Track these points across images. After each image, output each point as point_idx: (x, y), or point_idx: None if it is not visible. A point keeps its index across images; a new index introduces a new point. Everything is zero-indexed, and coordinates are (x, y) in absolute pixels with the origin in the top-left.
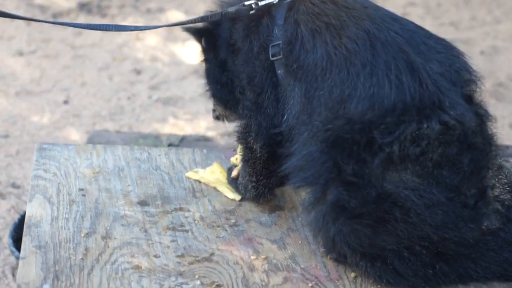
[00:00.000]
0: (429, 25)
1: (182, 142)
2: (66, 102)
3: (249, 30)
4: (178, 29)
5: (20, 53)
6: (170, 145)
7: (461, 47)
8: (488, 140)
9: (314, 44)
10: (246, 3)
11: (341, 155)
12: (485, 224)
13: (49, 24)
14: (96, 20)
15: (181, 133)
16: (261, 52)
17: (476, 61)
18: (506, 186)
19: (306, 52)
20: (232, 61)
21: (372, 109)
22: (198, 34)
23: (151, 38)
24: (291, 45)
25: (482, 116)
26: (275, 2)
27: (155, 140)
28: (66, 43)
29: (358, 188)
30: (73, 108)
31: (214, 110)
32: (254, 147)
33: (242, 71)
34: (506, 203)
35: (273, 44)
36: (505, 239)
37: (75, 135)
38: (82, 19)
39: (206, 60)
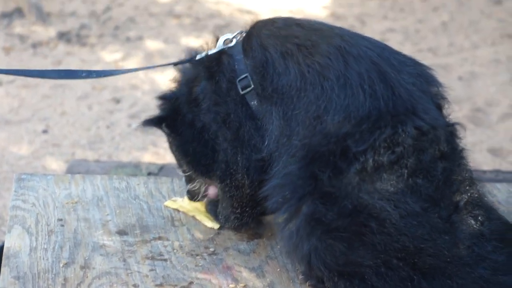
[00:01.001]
0: (407, 50)
1: (161, 170)
2: (45, 131)
3: (211, 71)
4: (156, 57)
5: None
6: (149, 174)
7: (439, 72)
8: (458, 152)
9: (287, 66)
10: (197, 58)
11: (318, 166)
12: (459, 237)
13: (29, 54)
14: (76, 49)
15: (161, 161)
16: (231, 88)
17: (454, 87)
18: (478, 201)
19: (279, 75)
20: (196, 115)
21: (348, 119)
22: (158, 122)
23: (130, 66)
24: (263, 69)
25: (451, 127)
26: (226, 48)
27: (135, 169)
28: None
29: (335, 200)
30: (52, 137)
31: (189, 191)
32: (243, 182)
33: (214, 115)
34: (479, 218)
35: (239, 78)
36: (479, 254)
37: (55, 164)
38: (62, 48)
39: (173, 140)
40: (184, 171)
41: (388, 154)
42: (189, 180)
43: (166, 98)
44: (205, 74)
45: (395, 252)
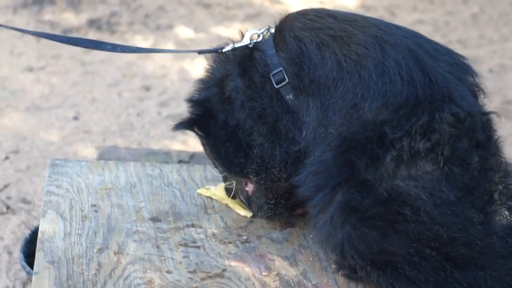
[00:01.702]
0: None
1: (192, 158)
2: (76, 118)
3: (244, 67)
4: (186, 46)
5: (30, 69)
6: (180, 161)
7: None
8: (494, 142)
9: (323, 57)
10: (224, 50)
11: (354, 154)
12: (493, 228)
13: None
14: (106, 36)
15: (190, 150)
16: (265, 83)
17: (484, 79)
18: None
19: (315, 66)
20: (230, 113)
21: (386, 106)
22: (190, 125)
23: (160, 55)
24: (299, 60)
25: (488, 115)
26: (257, 44)
27: (165, 156)
28: (76, 60)
29: (370, 187)
30: (82, 124)
31: (226, 189)
32: (280, 176)
33: (249, 110)
34: None
35: (273, 73)
36: None
37: (85, 151)
38: (92, 35)
39: (207, 142)
40: (220, 172)
41: (425, 141)
42: (225, 178)
43: (196, 101)
44: (238, 70)
45: (428, 241)
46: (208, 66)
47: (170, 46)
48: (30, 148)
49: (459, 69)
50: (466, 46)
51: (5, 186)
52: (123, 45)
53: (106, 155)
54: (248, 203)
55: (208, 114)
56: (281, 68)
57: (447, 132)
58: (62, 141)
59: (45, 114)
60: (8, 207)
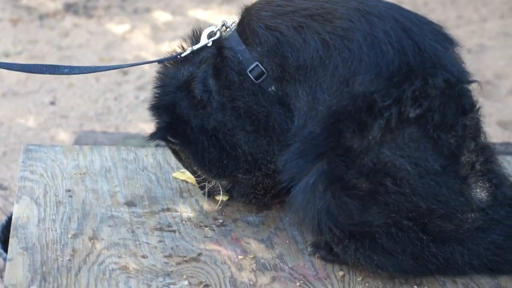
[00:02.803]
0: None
1: None
2: (52, 103)
3: (217, 67)
4: (164, 29)
5: (6, 55)
6: (157, 145)
7: None
8: (477, 110)
9: (304, 39)
10: (183, 54)
11: (343, 123)
12: (474, 199)
13: (36, 25)
14: (83, 20)
15: None
16: (244, 80)
17: (463, 59)
18: (493, 164)
19: (298, 50)
20: (205, 117)
21: (379, 76)
22: (163, 134)
23: (138, 39)
24: (278, 50)
25: (472, 83)
26: (209, 44)
27: (143, 140)
28: (53, 44)
29: (356, 156)
30: (59, 109)
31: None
32: (272, 168)
33: (231, 111)
34: (494, 181)
35: (249, 69)
36: (493, 219)
37: (62, 136)
38: (69, 19)
39: (184, 150)
40: (198, 176)
41: (415, 107)
42: (196, 175)
43: (163, 107)
44: (211, 71)
45: (406, 212)
46: (161, 70)
47: (148, 29)
48: (6, 134)
49: (442, 38)
50: (444, 27)
51: None
52: (80, 66)
53: (83, 139)
54: (230, 192)
55: (180, 120)
56: (256, 63)
57: (438, 98)
58: (39, 127)
59: (22, 99)
60: None
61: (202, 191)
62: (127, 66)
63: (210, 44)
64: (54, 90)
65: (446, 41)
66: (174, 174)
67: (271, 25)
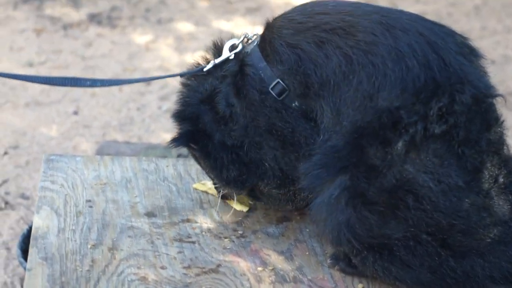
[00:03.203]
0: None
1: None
2: (75, 113)
3: (238, 86)
4: (187, 39)
5: (30, 64)
6: (179, 155)
7: None
8: (500, 124)
9: (326, 55)
10: (205, 69)
11: (366, 139)
12: (496, 213)
13: (60, 35)
14: (106, 31)
15: None
16: (265, 98)
17: (487, 70)
18: None
19: (320, 67)
20: (227, 133)
21: (405, 91)
22: (185, 141)
23: (161, 49)
24: (299, 68)
25: (497, 97)
26: (231, 57)
27: (164, 151)
28: (77, 54)
29: (378, 173)
30: (82, 119)
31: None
32: (298, 187)
33: (255, 129)
34: None
35: (271, 86)
36: None
37: (85, 145)
38: (93, 30)
39: (204, 160)
40: (215, 182)
41: (441, 123)
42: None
43: (186, 118)
44: (232, 90)
45: (426, 227)
46: (184, 81)
47: (171, 40)
48: (29, 144)
49: (467, 51)
50: (469, 37)
51: (4, 182)
52: (103, 79)
53: (105, 149)
54: (253, 196)
55: (202, 132)
56: (278, 80)
57: (465, 114)
58: (61, 136)
59: (45, 109)
60: (6, 203)
61: (219, 197)
62: (149, 80)
63: (232, 57)
64: (77, 99)
65: (471, 54)
66: (195, 185)
67: (292, 43)
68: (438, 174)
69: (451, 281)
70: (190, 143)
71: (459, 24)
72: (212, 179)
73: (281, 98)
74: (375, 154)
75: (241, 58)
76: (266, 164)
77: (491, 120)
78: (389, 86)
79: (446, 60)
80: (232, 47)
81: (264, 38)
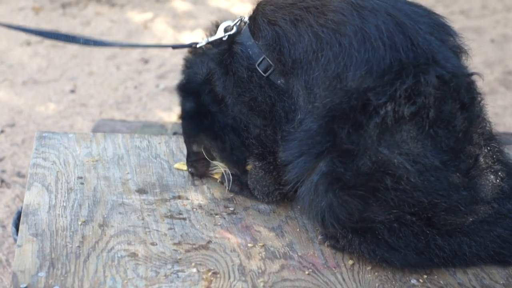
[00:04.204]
0: (439, 13)
1: None
2: (72, 91)
3: (226, 64)
4: (185, 18)
5: (28, 43)
6: (175, 133)
7: (471, 35)
8: (478, 103)
9: (299, 33)
10: (198, 45)
11: (337, 122)
12: (478, 192)
13: (58, 14)
14: (105, 9)
15: None
16: (252, 75)
17: (486, 49)
18: (499, 155)
19: (294, 44)
20: (226, 113)
21: (370, 73)
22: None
23: (159, 27)
24: (276, 44)
25: (471, 76)
26: (224, 38)
27: (160, 128)
28: (75, 33)
29: (354, 156)
30: (79, 97)
31: (221, 180)
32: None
33: (240, 106)
34: (499, 173)
35: (258, 62)
36: (499, 212)
37: (81, 124)
38: (91, 8)
39: (211, 140)
40: (211, 159)
41: (409, 104)
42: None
43: (189, 90)
44: (221, 69)
45: (408, 208)
46: (187, 57)
47: (169, 18)
48: (26, 122)
49: (440, 30)
50: (468, 17)
51: (0, 160)
52: (96, 40)
53: (101, 127)
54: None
55: (207, 112)
56: (264, 56)
57: (432, 95)
58: (58, 115)
59: (42, 87)
60: (2, 181)
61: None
62: (144, 47)
63: (225, 38)
64: (75, 78)
65: (443, 33)
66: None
67: (271, 20)
68: (413, 155)
69: (439, 260)
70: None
71: (459, 3)
72: (210, 155)
73: (266, 74)
74: (348, 137)
75: (232, 37)
76: (252, 140)
77: (465, 99)
78: (355, 66)
79: (414, 41)
80: (227, 29)
81: (252, 17)
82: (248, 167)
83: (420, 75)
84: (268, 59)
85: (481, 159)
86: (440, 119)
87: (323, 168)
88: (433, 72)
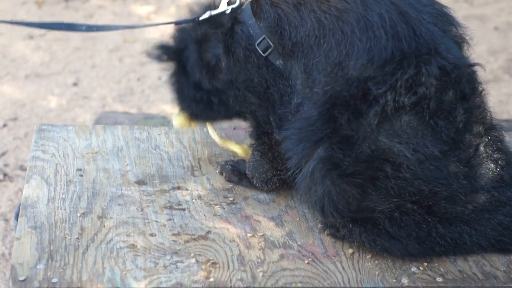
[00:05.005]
0: (443, 1)
1: None
2: (75, 84)
3: (226, 44)
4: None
5: (31, 37)
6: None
7: (475, 23)
8: (479, 93)
9: (302, 17)
10: (201, 18)
11: (337, 109)
12: (478, 181)
13: (61, 7)
14: (108, 2)
15: None
16: (250, 55)
17: (490, 37)
18: (499, 144)
19: (296, 28)
20: (209, 80)
21: (371, 62)
22: (171, 54)
23: (162, 20)
24: (278, 27)
25: (473, 66)
26: (227, 11)
27: (162, 120)
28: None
29: (353, 143)
30: (82, 90)
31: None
32: (278, 138)
33: (235, 82)
34: (500, 162)
35: (258, 42)
36: (499, 200)
37: (84, 117)
38: (94, 1)
39: (177, 80)
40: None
41: (410, 95)
42: None
43: (171, 48)
44: (222, 48)
45: (409, 196)
46: (182, 26)
47: (172, 10)
48: (28, 115)
49: (443, 20)
50: (472, 4)
51: (3, 154)
52: (98, 25)
53: (103, 120)
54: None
55: (183, 67)
56: (264, 36)
57: (433, 85)
58: (61, 108)
59: (45, 81)
60: (5, 175)
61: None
62: (146, 26)
63: (228, 11)
64: (78, 71)
65: (446, 23)
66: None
67: (274, 2)
68: (413, 144)
69: (440, 249)
70: (169, 61)
71: None
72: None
73: (265, 54)
74: (348, 124)
75: (234, 14)
76: (246, 114)
77: (466, 89)
78: (356, 55)
79: (416, 30)
80: (230, 2)
81: None
82: (245, 153)
83: (422, 65)
84: (268, 40)
85: (482, 149)
86: (441, 109)
87: (321, 153)
88: (435, 62)
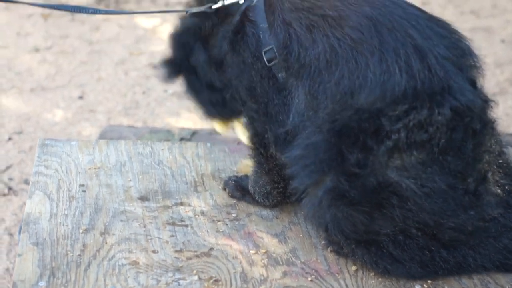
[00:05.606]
0: (450, 13)
1: (194, 136)
2: (81, 97)
3: (235, 43)
4: None
5: (36, 49)
6: (182, 139)
7: (481, 35)
8: (489, 124)
9: (313, 39)
10: (214, 7)
11: (346, 144)
12: (485, 209)
13: (67, 20)
14: (112, 16)
15: (195, 127)
16: (255, 62)
17: (496, 49)
18: (507, 170)
19: (306, 49)
20: (219, 77)
21: (383, 97)
22: (177, 68)
23: (167, 32)
24: (287, 47)
25: (484, 101)
26: (240, 2)
27: (167, 134)
28: (83, 39)
29: (360, 177)
30: (88, 103)
31: None
32: (273, 152)
33: (238, 84)
34: (506, 187)
35: (265, 50)
36: (504, 225)
37: (89, 130)
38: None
39: (191, 88)
40: None
41: (422, 133)
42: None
43: (182, 44)
44: (228, 46)
45: (415, 224)
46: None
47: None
48: (33, 129)
49: (458, 54)
50: (479, 16)
51: (8, 167)
52: (106, 9)
53: (108, 134)
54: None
55: (193, 69)
56: (272, 46)
57: (445, 125)
58: (66, 121)
59: (50, 94)
60: (10, 188)
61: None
62: (155, 12)
63: (241, 2)
64: (83, 84)
65: (461, 56)
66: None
67: (286, 20)
68: (421, 179)
69: (443, 272)
70: (179, 74)
71: (469, 3)
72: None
73: (270, 64)
74: (356, 162)
75: (245, 10)
76: (245, 118)
77: (477, 126)
78: (369, 88)
79: (431, 67)
80: None
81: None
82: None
83: (435, 107)
84: (275, 51)
85: (490, 176)
86: (450, 147)
87: (328, 184)
88: (448, 104)
